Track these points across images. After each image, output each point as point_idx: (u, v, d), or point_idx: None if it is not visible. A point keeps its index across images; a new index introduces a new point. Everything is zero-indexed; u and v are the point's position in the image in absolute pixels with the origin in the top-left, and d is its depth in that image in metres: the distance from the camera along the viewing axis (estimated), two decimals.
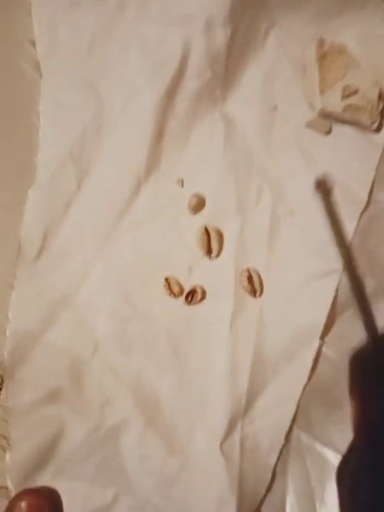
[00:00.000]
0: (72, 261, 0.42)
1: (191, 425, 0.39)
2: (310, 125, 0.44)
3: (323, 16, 0.45)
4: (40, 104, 0.45)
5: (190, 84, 0.44)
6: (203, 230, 0.42)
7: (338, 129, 0.44)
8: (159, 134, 0.44)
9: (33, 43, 0.46)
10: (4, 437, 0.39)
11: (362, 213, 0.42)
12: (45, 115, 0.45)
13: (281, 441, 0.38)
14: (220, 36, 0.43)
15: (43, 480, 0.38)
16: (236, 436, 0.38)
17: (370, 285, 0.40)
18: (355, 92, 0.43)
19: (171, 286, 0.42)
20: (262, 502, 0.38)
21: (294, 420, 0.38)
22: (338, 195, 0.42)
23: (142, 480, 0.38)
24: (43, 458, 0.39)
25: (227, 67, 0.44)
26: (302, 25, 0.46)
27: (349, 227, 0.41)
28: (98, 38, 0.45)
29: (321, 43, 0.44)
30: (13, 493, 0.38)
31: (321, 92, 0.43)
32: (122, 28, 0.45)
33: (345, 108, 0.42)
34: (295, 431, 0.39)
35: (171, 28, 0.43)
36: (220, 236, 0.43)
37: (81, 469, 0.39)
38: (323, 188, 0.25)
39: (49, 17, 0.45)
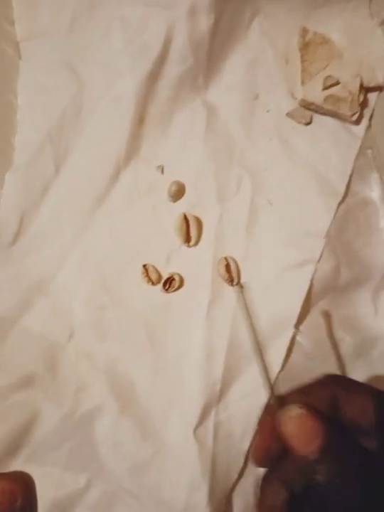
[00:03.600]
0: (49, 246, 0.42)
1: (166, 411, 0.39)
2: (291, 115, 0.44)
3: (309, 6, 0.45)
4: (19, 86, 0.44)
5: (173, 69, 0.43)
6: (182, 217, 0.42)
7: (318, 120, 0.44)
8: (140, 119, 0.43)
9: (13, 23, 0.45)
10: None
11: (339, 205, 0.42)
12: (23, 97, 0.44)
13: (255, 427, 0.38)
14: (204, 22, 0.43)
15: (16, 465, 0.38)
16: (210, 422, 0.38)
17: (345, 275, 0.40)
18: (337, 83, 0.43)
19: (149, 274, 0.42)
20: (234, 487, 0.38)
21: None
22: (316, 186, 0.42)
23: (115, 466, 0.38)
24: (16, 443, 0.39)
25: (210, 54, 0.44)
26: (287, 14, 0.46)
27: (326, 219, 0.41)
28: (79, 19, 0.44)
29: (304, 32, 0.44)
30: None
31: (303, 82, 0.43)
32: (104, 9, 0.44)
33: (326, 99, 0.43)
34: None
35: (155, 11, 0.43)
36: (199, 224, 0.43)
37: (54, 455, 0.39)
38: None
39: None
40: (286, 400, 0.26)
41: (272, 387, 0.28)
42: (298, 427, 0.24)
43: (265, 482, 0.26)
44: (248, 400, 0.39)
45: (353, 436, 0.25)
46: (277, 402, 0.27)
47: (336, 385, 0.27)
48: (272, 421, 0.25)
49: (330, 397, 0.26)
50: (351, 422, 0.25)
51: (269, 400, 0.28)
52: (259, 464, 0.27)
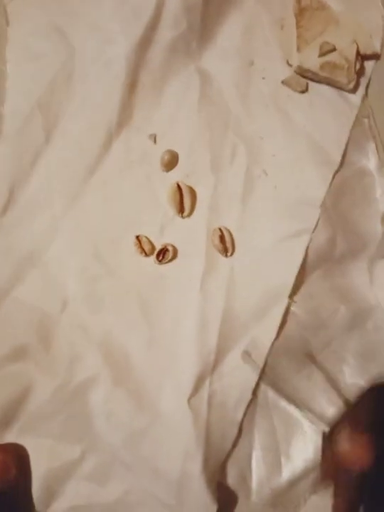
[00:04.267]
0: (40, 217, 0.41)
1: (160, 382, 0.39)
2: (286, 82, 0.43)
3: None
4: (8, 52, 0.43)
5: (165, 34, 0.42)
6: (175, 187, 0.41)
7: (314, 87, 0.43)
8: (132, 85, 0.42)
9: None
10: None
11: (335, 174, 0.41)
12: (13, 63, 0.43)
13: (249, 397, 0.38)
14: None
15: (10, 436, 0.38)
16: (204, 391, 0.38)
17: (341, 246, 0.40)
18: (333, 49, 0.42)
19: (142, 245, 0.41)
20: (228, 456, 0.38)
21: (261, 377, 0.39)
22: (312, 156, 0.42)
23: (110, 436, 0.38)
24: (9, 414, 0.38)
25: (204, 20, 0.43)
26: None
27: (322, 188, 0.41)
28: None
29: None
30: None
31: (298, 48, 0.42)
32: None
33: (322, 66, 0.42)
34: (262, 387, 0.39)
35: None
36: (193, 194, 0.42)
37: (48, 426, 0.38)
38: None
39: None
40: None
41: None
42: (349, 444, 0.25)
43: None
44: (242, 370, 0.39)
45: None
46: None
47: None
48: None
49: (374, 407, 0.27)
50: None
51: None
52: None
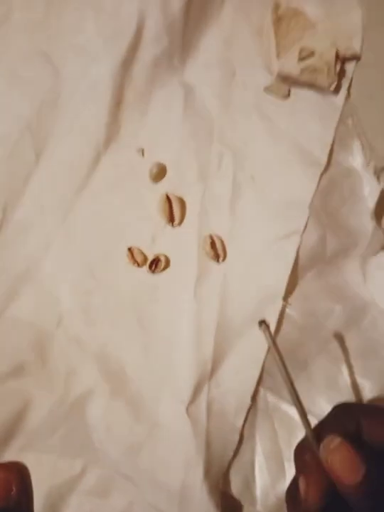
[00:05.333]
0: (33, 234, 0.42)
1: (157, 392, 0.39)
2: (268, 90, 0.44)
3: None
4: None
5: (148, 51, 0.43)
6: (164, 198, 0.42)
7: (296, 93, 0.44)
8: (117, 103, 0.43)
9: None
10: None
11: (322, 175, 0.41)
12: (1, 88, 0.44)
13: (248, 403, 0.38)
14: (176, 2, 0.43)
15: (10, 454, 0.38)
16: (202, 399, 0.38)
17: (332, 245, 0.40)
18: (312, 53, 0.43)
19: (135, 256, 0.41)
20: (230, 464, 0.38)
21: (259, 382, 0.38)
22: (298, 158, 0.42)
23: (110, 449, 0.38)
24: (9, 432, 0.38)
25: (185, 34, 0.44)
26: None
27: (309, 189, 0.41)
28: (53, 7, 0.44)
29: (276, 6, 0.44)
30: None
31: (278, 55, 0.43)
32: None
33: (302, 70, 0.42)
34: (261, 392, 0.38)
35: None
36: (182, 204, 0.42)
37: (48, 442, 0.38)
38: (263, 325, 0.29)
39: None
40: (321, 435, 0.26)
41: (309, 425, 0.27)
42: (343, 456, 0.24)
43: None
44: (240, 375, 0.39)
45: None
46: (314, 438, 0.26)
47: (354, 412, 0.27)
48: (313, 459, 0.25)
49: (354, 425, 0.26)
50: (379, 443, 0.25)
51: (306, 438, 0.27)
52: (319, 502, 0.25)
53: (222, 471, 0.37)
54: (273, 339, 0.29)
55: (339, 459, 0.24)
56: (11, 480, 0.21)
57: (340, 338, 0.39)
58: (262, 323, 0.29)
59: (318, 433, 0.26)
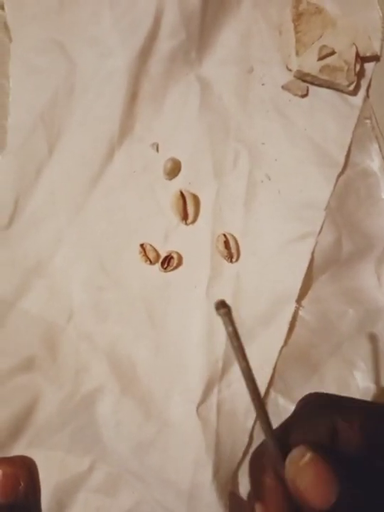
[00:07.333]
0: (45, 228, 0.41)
1: (168, 390, 0.38)
2: (286, 87, 0.43)
3: None
4: (10, 68, 0.44)
5: (165, 45, 0.43)
6: (178, 194, 0.41)
7: (315, 91, 0.43)
8: (133, 97, 0.43)
9: (2, 6, 0.44)
10: None
11: (339, 176, 0.41)
12: (15, 79, 0.43)
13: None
14: None
15: (19, 449, 0.38)
16: (213, 399, 0.38)
17: (347, 247, 0.40)
18: (332, 52, 0.42)
19: (147, 253, 0.41)
20: (239, 465, 0.37)
21: (270, 384, 0.38)
22: (315, 158, 0.41)
23: (119, 447, 0.38)
24: (18, 427, 0.38)
25: (202, 28, 0.43)
26: None
27: (326, 190, 0.40)
28: None
29: (297, 2, 0.43)
30: None
31: (297, 52, 0.42)
32: None
33: (322, 69, 0.42)
34: (272, 394, 0.38)
35: None
36: (196, 201, 0.42)
37: (57, 438, 0.38)
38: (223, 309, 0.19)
39: None
40: (286, 443, 0.21)
41: (271, 429, 0.21)
42: (314, 475, 0.19)
43: None
44: None
45: (363, 461, 0.21)
46: (277, 448, 0.21)
47: (328, 411, 0.23)
48: (275, 480, 0.21)
49: (328, 428, 0.22)
50: (356, 447, 0.22)
51: (265, 445, 0.22)
52: None
53: (231, 472, 0.37)
54: (234, 326, 0.20)
55: (310, 479, 0.19)
56: (19, 475, 0.21)
57: (352, 342, 0.39)
58: (221, 305, 0.20)
59: (283, 437, 0.22)
